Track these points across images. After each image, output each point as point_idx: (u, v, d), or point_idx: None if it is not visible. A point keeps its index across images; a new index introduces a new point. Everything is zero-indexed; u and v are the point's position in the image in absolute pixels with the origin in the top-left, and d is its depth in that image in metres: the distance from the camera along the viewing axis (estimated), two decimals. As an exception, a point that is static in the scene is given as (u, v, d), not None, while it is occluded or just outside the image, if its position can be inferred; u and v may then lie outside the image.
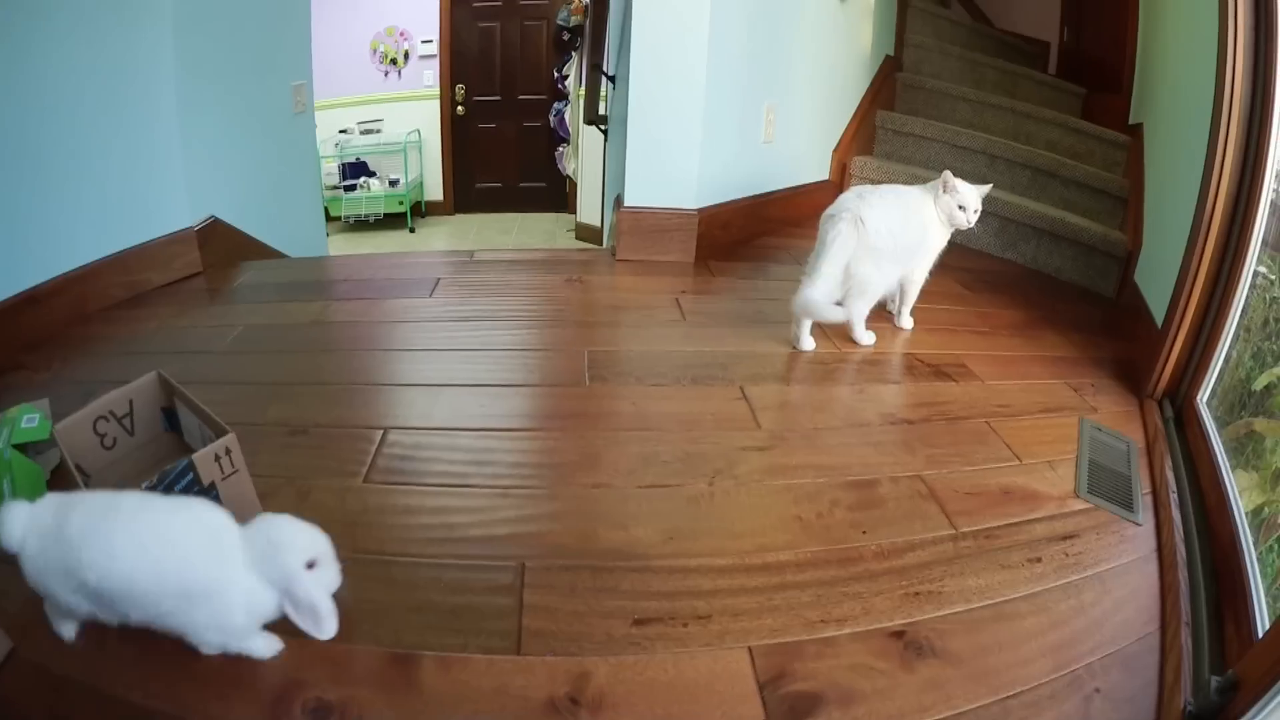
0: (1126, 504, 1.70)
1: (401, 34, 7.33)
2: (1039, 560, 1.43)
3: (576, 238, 6.75)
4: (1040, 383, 2.22)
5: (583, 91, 5.59)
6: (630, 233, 2.61)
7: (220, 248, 2.49)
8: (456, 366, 1.87)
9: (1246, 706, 1.03)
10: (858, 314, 2.16)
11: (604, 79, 3.67)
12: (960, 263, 3.27)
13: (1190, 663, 1.19)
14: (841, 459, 1.62)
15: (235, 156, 2.69)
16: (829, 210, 2.05)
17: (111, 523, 0.94)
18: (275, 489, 1.36)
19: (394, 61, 7.40)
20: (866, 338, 2.20)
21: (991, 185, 2.33)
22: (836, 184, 3.90)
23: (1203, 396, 2.11)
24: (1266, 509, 1.65)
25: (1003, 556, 1.41)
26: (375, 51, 7.34)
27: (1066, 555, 1.47)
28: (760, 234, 3.17)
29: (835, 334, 2.22)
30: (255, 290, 2.31)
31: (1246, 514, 1.62)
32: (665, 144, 2.60)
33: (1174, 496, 1.73)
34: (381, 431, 1.55)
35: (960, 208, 2.22)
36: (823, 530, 1.38)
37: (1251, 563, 1.42)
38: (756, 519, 1.40)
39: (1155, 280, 2.74)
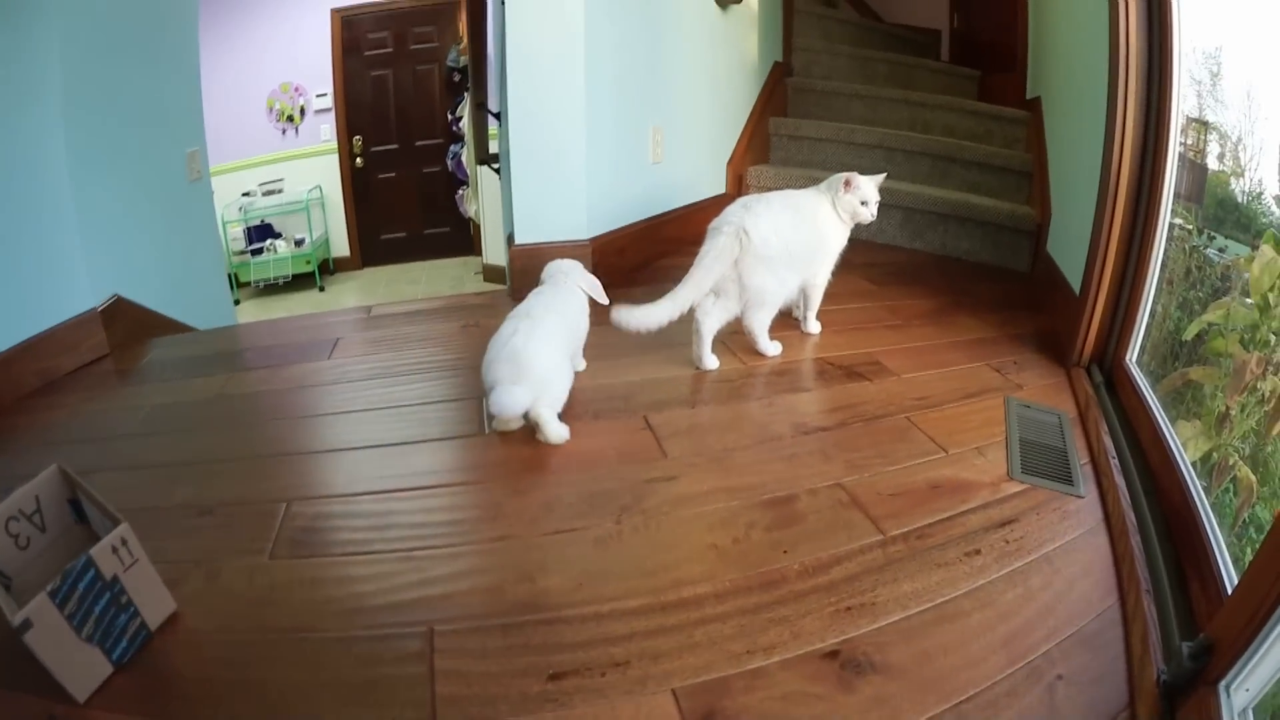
0: (1065, 478, 1.70)
1: (296, 89, 7.43)
2: (977, 552, 1.40)
3: (484, 279, 6.77)
4: (959, 368, 2.23)
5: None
6: (523, 271, 2.57)
7: (126, 327, 2.45)
8: (355, 428, 1.80)
9: (1225, 669, 1.01)
10: (759, 325, 2.14)
11: (490, 117, 3.63)
12: (866, 258, 3.32)
13: (1158, 630, 1.19)
14: (755, 478, 1.58)
15: (133, 231, 2.65)
16: (714, 222, 2.06)
17: None
18: (184, 573, 1.29)
19: (291, 118, 7.48)
20: (771, 348, 2.18)
21: (885, 174, 2.38)
22: (734, 196, 3.82)
23: (1131, 356, 2.15)
24: (1215, 454, 1.70)
25: (937, 555, 1.38)
26: (272, 109, 7.42)
27: (1007, 542, 1.44)
28: (658, 256, 3.16)
29: (741, 349, 2.20)
30: (161, 368, 2.27)
31: (1194, 464, 1.63)
32: (550, 176, 2.59)
33: (1114, 462, 1.73)
34: (285, 504, 1.48)
35: (862, 203, 2.25)
36: (740, 556, 1.33)
37: (1207, 515, 1.42)
38: (669, 553, 1.35)
39: (1068, 249, 2.82)
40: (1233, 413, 1.70)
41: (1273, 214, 1.83)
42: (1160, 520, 1.54)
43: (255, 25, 7.15)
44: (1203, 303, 2.00)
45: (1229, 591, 1.21)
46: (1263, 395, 1.62)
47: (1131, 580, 1.34)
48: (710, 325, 2.07)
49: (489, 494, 1.54)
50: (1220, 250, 1.98)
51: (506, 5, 2.43)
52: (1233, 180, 1.98)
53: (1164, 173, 2.05)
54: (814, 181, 2.60)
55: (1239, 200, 1.95)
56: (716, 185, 3.81)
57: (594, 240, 2.67)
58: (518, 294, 2.56)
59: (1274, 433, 1.56)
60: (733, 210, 2.06)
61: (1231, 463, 1.65)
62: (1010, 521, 1.51)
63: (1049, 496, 1.62)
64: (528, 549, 1.36)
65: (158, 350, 2.40)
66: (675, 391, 1.95)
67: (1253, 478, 1.58)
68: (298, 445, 1.77)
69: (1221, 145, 1.99)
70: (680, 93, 3.28)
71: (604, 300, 1.97)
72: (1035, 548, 1.44)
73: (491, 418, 1.73)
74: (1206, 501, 1.47)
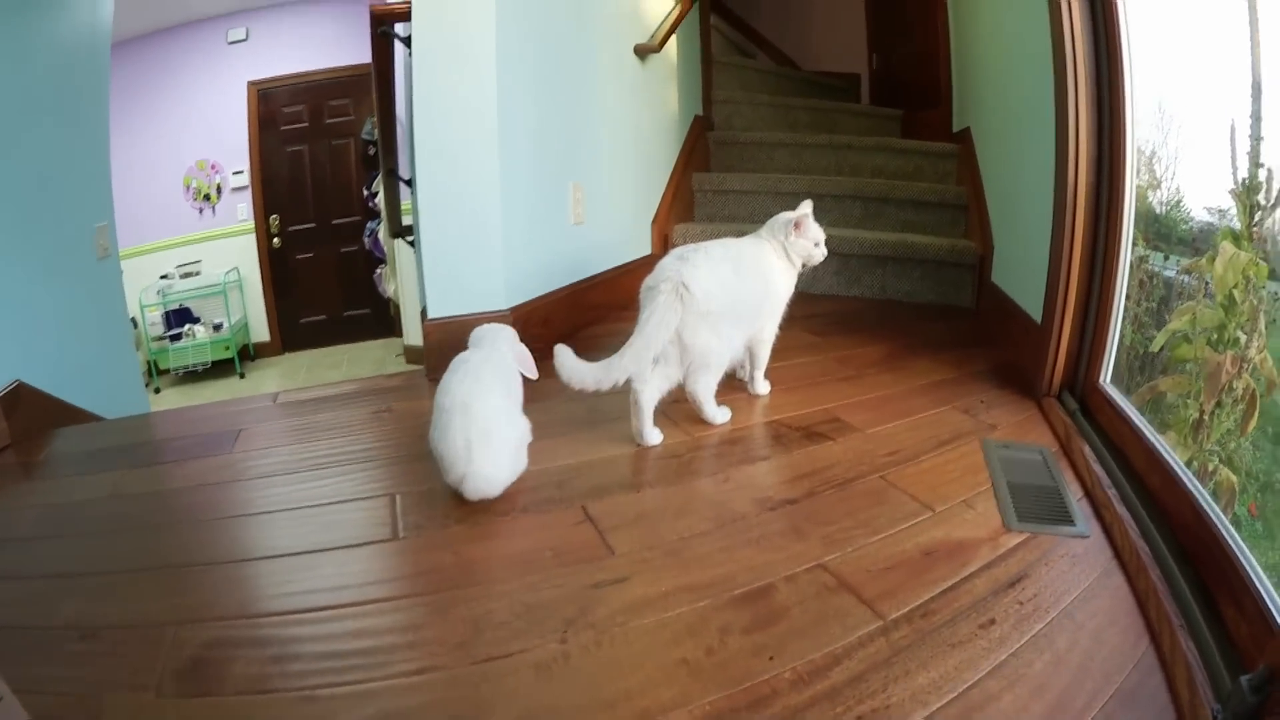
0: (1064, 518, 1.61)
1: (213, 166, 7.47)
2: (992, 622, 1.26)
3: (407, 361, 6.65)
4: (926, 415, 2.13)
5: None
6: (439, 348, 2.39)
7: (28, 416, 2.27)
8: (255, 535, 1.60)
9: (1292, 696, 0.94)
10: (705, 390, 1.98)
11: (403, 184, 3.48)
12: (804, 309, 3.23)
13: (1201, 668, 1.12)
14: (721, 569, 1.40)
15: (36, 312, 2.50)
16: (647, 280, 1.92)
17: None
18: (64, 710, 1.10)
19: (208, 197, 7.51)
20: (719, 415, 2.03)
21: (811, 203, 2.29)
22: (660, 256, 3.81)
23: (1105, 378, 2.11)
24: (1194, 461, 1.69)
25: (948, 634, 1.23)
26: (189, 188, 7.45)
27: (1021, 604, 1.31)
28: (585, 324, 3.04)
29: (684, 418, 2.06)
30: (60, 463, 2.07)
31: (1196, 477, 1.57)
32: (464, 241, 2.45)
33: (1112, 492, 1.66)
34: (174, 629, 1.27)
35: (815, 244, 2.19)
36: (718, 670, 1.15)
37: (1230, 533, 1.34)
38: (630, 676, 1.14)
39: (1017, 276, 2.82)
40: (1207, 417, 1.71)
41: (1191, 221, 1.91)
42: (1175, 546, 1.46)
43: (172, 100, 7.25)
44: (1154, 314, 2.04)
45: (1270, 606, 1.14)
46: (1238, 394, 1.64)
47: (1162, 619, 1.25)
48: (650, 395, 1.90)
49: (406, 613, 1.32)
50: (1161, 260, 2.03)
51: (413, 58, 2.33)
52: (1150, 193, 2.06)
53: (1123, 184, 2.03)
54: (743, 234, 2.55)
55: (1158, 212, 2.05)
56: (642, 246, 3.74)
57: (514, 310, 2.53)
58: (434, 373, 2.40)
59: (1250, 429, 1.61)
60: (668, 264, 1.92)
61: (1212, 468, 1.66)
62: (1019, 579, 1.38)
63: (1052, 542, 1.51)
64: (454, 683, 1.14)
65: (60, 441, 2.22)
66: (615, 473, 1.78)
67: (1234, 478, 1.61)
68: (190, 556, 1.55)
69: (1137, 159, 2.02)
70: (600, 149, 3.22)
71: (534, 375, 1.85)
72: (1052, 604, 1.31)
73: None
74: (1226, 519, 1.39)
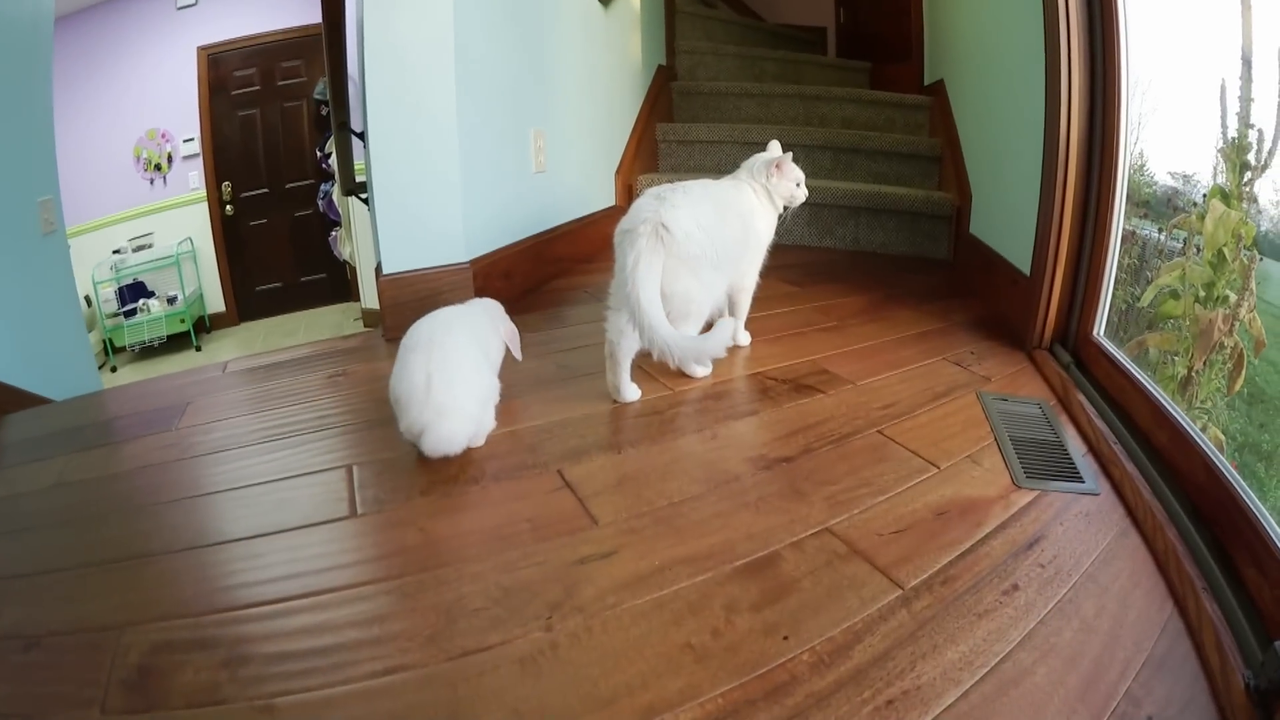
0: (1073, 475, 1.52)
1: (163, 135, 7.21)
2: (1016, 588, 1.16)
3: (365, 325, 6.48)
4: (917, 367, 2.03)
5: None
6: (394, 305, 2.24)
7: None
8: (202, 519, 1.44)
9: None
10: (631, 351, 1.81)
11: (355, 138, 3.28)
12: (777, 259, 3.11)
13: (1228, 631, 1.07)
14: (719, 537, 1.27)
15: None
16: (622, 224, 1.75)
17: None
18: None
19: (159, 167, 7.25)
20: (700, 368, 1.87)
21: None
22: (624, 208, 3.69)
23: (1099, 331, 2.04)
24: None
25: (972, 602, 1.12)
26: (139, 159, 7.18)
27: (1042, 567, 1.22)
28: (550, 276, 2.90)
29: (662, 372, 1.91)
30: (3, 452, 1.90)
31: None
32: (419, 192, 2.26)
33: (1117, 448, 1.58)
34: (119, 633, 1.11)
35: (797, 184, 2.10)
36: (728, 654, 1.01)
37: (1244, 491, 1.28)
38: (629, 666, 1.00)
39: (1000, 228, 2.74)
40: (1196, 375, 1.69)
41: (1156, 184, 1.96)
42: (1187, 502, 1.40)
43: (121, 70, 6.98)
44: (1133, 271, 2.03)
45: None
46: (1227, 353, 1.62)
47: (1184, 581, 1.19)
48: (628, 346, 1.73)
49: (369, 603, 1.16)
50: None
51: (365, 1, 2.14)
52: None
53: (1118, 130, 1.96)
54: None
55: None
56: (606, 197, 3.61)
57: (475, 262, 2.37)
58: (390, 333, 2.26)
59: (1237, 387, 1.58)
60: (645, 204, 1.74)
61: (1202, 425, 1.60)
62: (1037, 540, 1.28)
63: (1064, 500, 1.42)
64: (427, 684, 1.00)
65: (5, 429, 2.03)
66: (592, 433, 1.63)
67: (1222, 437, 1.57)
68: (135, 547, 1.38)
69: (1131, 106, 1.99)
70: (562, 95, 3.06)
71: (519, 356, 1.72)
72: (1074, 567, 1.22)
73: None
74: (1239, 476, 1.32)
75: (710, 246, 1.75)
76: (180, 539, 1.38)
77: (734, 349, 2.11)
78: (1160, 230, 1.92)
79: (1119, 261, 1.99)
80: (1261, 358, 1.54)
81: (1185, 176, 1.86)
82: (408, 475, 1.49)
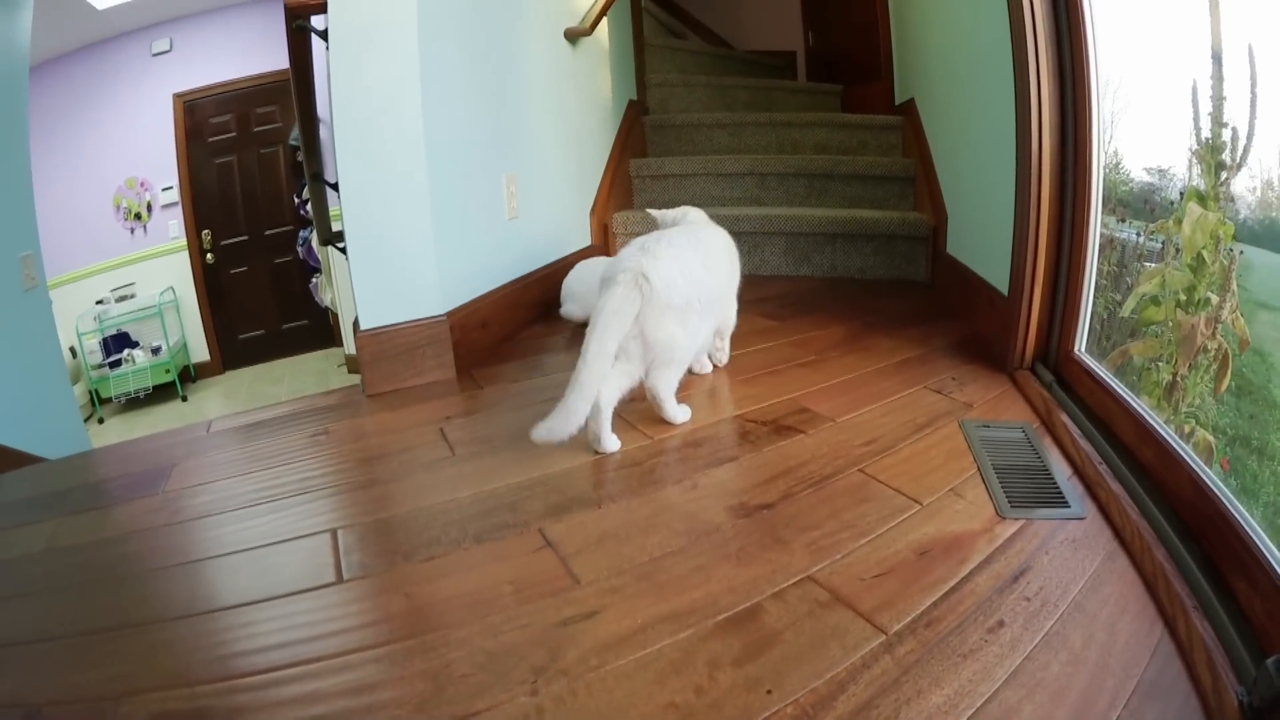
0: (1058, 500, 1.55)
1: (142, 184, 7.39)
2: (1001, 624, 1.18)
3: (348, 371, 6.63)
4: (898, 399, 2.06)
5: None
6: (374, 361, 2.30)
7: None
8: (192, 586, 1.46)
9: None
10: (667, 387, 1.89)
11: (330, 189, 3.34)
12: (754, 292, 3.19)
13: (1220, 650, 1.09)
14: (700, 592, 1.29)
15: None
16: (604, 272, 1.82)
17: None
18: None
19: (139, 216, 7.44)
20: (680, 414, 1.92)
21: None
22: (601, 247, 3.82)
23: (1080, 347, 2.07)
24: (1170, 425, 1.66)
25: (957, 642, 1.14)
26: (119, 208, 7.36)
27: (1028, 600, 1.24)
28: (527, 323, 2.94)
29: (641, 419, 1.95)
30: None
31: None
32: (393, 246, 2.31)
33: (1103, 468, 1.61)
34: (115, 702, 1.14)
35: None
36: (711, 711, 1.04)
37: (1233, 504, 1.30)
38: (616, 729, 1.03)
39: (977, 246, 2.77)
40: (1181, 380, 1.70)
41: (1132, 181, 1.98)
42: (1176, 523, 1.41)
43: (98, 118, 7.14)
44: (1112, 278, 2.04)
45: None
46: (1211, 355, 1.62)
47: (1174, 601, 1.21)
48: (610, 395, 1.77)
49: (359, 671, 1.18)
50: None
51: (330, 52, 2.20)
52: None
53: (1090, 145, 1.99)
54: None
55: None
56: (581, 237, 3.65)
57: (451, 315, 2.41)
58: (371, 387, 2.31)
59: (1224, 388, 1.58)
60: (627, 254, 1.80)
61: (1189, 429, 1.63)
62: (1022, 572, 1.31)
63: (1050, 527, 1.44)
64: (418, 758, 1.03)
65: None
66: (572, 488, 1.66)
67: (1211, 439, 1.58)
68: (128, 615, 1.41)
69: (1103, 120, 2.02)
70: (533, 138, 3.11)
71: None
72: (1060, 596, 1.25)
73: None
74: (1228, 490, 1.35)
75: (696, 293, 1.81)
76: (173, 607, 1.40)
77: (713, 394, 2.15)
78: (1139, 234, 1.94)
79: (1098, 269, 2.02)
80: (1248, 349, 1.55)
81: (1161, 171, 1.87)
82: (391, 538, 1.52)
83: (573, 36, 3.45)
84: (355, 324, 2.34)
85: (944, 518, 1.47)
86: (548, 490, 1.65)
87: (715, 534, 1.45)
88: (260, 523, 1.64)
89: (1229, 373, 1.58)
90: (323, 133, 3.23)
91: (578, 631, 1.20)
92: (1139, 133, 1.94)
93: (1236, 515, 1.27)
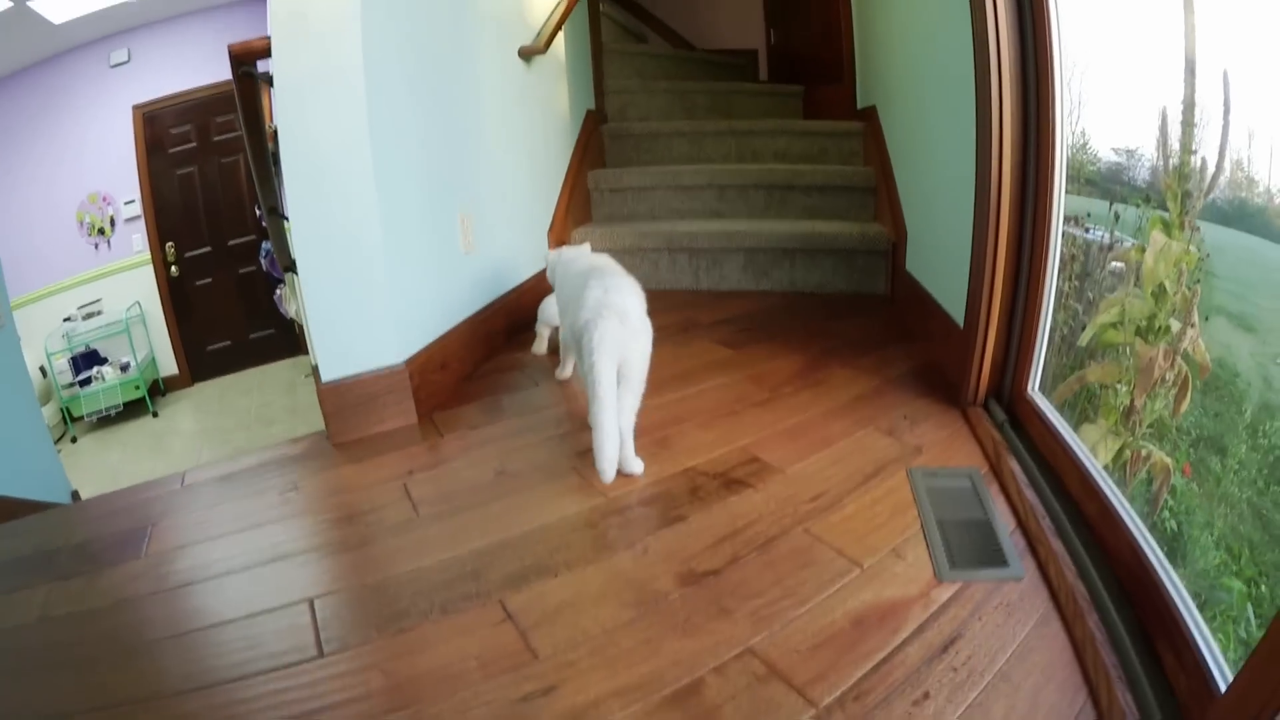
0: (998, 559, 1.62)
1: (105, 199, 7.46)
2: (926, 696, 1.27)
3: (316, 382, 6.63)
4: (848, 443, 2.14)
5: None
6: (336, 412, 2.38)
7: None
8: (182, 662, 1.53)
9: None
10: (632, 418, 2.04)
11: (286, 222, 3.38)
12: (713, 313, 3.27)
13: None
14: (648, 665, 1.38)
15: None
16: (584, 314, 1.98)
17: None
18: None
19: (102, 230, 7.50)
20: (639, 465, 2.04)
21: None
22: None
23: (1033, 386, 2.12)
24: (1127, 450, 1.75)
25: (883, 716, 1.23)
26: (82, 223, 7.42)
27: (955, 670, 1.32)
28: (487, 356, 3.00)
29: (590, 471, 2.01)
30: None
31: (1106, 467, 1.66)
32: (348, 297, 2.37)
33: (1046, 523, 1.67)
34: None
35: None
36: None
37: (1166, 572, 1.36)
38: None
39: (935, 270, 2.84)
40: (1139, 405, 1.74)
41: (1099, 161, 1.96)
42: (1113, 583, 1.47)
43: (54, 131, 7.16)
44: (1077, 291, 2.08)
45: (1206, 658, 1.17)
46: (1169, 382, 1.67)
47: (1099, 670, 1.27)
48: (627, 423, 2.01)
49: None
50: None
51: (275, 99, 2.22)
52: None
53: (1053, 176, 2.00)
54: (644, 237, 3.23)
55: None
56: (538, 259, 3.68)
57: (410, 362, 2.46)
58: (336, 437, 2.38)
59: (1182, 410, 1.64)
60: (595, 297, 1.99)
61: (1145, 453, 1.69)
62: (953, 641, 1.39)
63: (987, 590, 1.52)
64: None
65: None
66: (531, 554, 1.73)
67: (1167, 460, 1.64)
68: (125, 692, 1.47)
69: (1067, 148, 2.01)
70: (488, 168, 3.14)
71: None
72: (988, 666, 1.33)
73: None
74: (1163, 556, 1.41)
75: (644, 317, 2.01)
76: (166, 684, 1.47)
77: (662, 441, 2.22)
78: (1104, 233, 1.99)
79: (1059, 280, 2.05)
80: (1214, 340, 1.60)
81: (1129, 151, 1.92)
82: (364, 609, 1.60)
83: (527, 55, 3.48)
84: (315, 371, 2.40)
85: (883, 581, 1.55)
86: (507, 556, 1.72)
87: (663, 602, 1.53)
88: (241, 591, 1.71)
89: (1188, 395, 1.63)
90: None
91: (537, 707, 1.29)
92: (1106, 112, 1.97)
93: (1168, 584, 1.33)
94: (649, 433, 2.22)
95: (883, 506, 1.82)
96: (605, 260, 2.33)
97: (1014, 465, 1.90)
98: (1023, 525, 1.74)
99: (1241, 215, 1.54)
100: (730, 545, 1.70)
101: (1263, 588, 1.39)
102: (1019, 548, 1.65)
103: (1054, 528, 1.65)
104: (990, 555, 1.62)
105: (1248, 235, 1.56)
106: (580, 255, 2.48)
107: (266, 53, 2.26)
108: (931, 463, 2.01)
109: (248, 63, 2.51)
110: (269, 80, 2.31)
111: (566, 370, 2.66)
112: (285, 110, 2.22)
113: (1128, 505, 1.56)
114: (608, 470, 1.90)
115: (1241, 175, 1.51)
